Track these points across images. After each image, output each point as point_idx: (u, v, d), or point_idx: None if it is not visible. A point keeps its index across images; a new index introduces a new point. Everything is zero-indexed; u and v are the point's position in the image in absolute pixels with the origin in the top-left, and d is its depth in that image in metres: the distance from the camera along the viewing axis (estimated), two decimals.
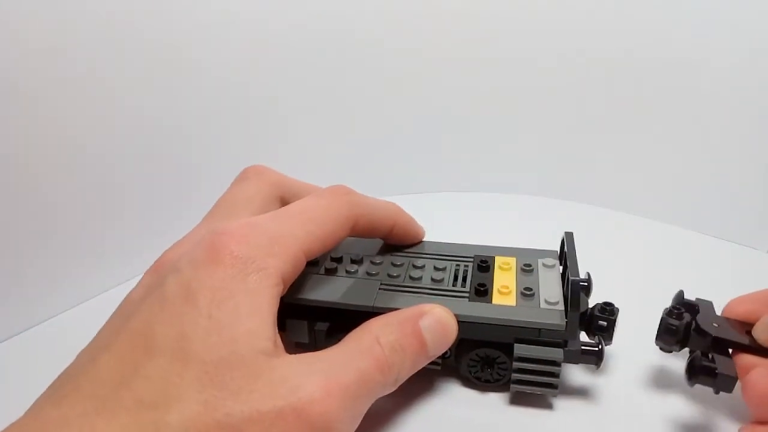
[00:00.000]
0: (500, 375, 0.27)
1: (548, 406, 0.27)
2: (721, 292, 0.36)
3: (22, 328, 0.34)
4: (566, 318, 0.25)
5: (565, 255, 0.28)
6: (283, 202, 0.29)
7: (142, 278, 0.24)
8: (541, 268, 0.29)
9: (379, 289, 0.28)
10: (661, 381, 0.29)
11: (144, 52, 0.37)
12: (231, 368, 0.19)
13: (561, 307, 0.26)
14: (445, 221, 0.44)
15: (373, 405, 0.26)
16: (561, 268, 0.30)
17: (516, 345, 0.26)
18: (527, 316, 0.26)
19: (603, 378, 0.28)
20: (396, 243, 0.31)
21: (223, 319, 0.20)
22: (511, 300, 0.27)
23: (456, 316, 0.26)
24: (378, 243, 0.32)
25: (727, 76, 0.40)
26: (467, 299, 0.27)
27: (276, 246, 0.23)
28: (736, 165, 0.41)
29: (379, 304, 0.27)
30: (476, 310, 0.26)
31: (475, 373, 0.28)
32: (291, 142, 0.46)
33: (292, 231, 0.24)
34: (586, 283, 0.28)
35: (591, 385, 0.28)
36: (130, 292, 0.24)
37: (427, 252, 0.31)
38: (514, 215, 0.46)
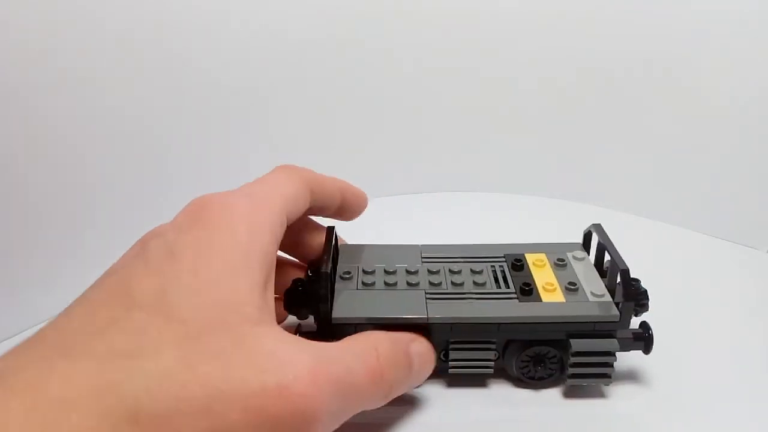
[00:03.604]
0: (552, 371, 0.27)
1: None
2: (721, 292, 0.36)
3: (22, 328, 0.34)
4: (619, 309, 0.26)
5: (603, 246, 0.28)
6: (313, 195, 0.27)
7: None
8: (573, 261, 0.30)
9: (426, 299, 0.27)
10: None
11: (136, 51, 0.36)
12: (214, 332, 0.18)
13: (608, 298, 0.27)
14: (445, 221, 0.44)
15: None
16: (592, 259, 0.30)
17: (572, 340, 0.26)
18: (581, 311, 0.26)
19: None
20: (349, 214, 0.30)
21: (208, 277, 0.19)
22: (559, 296, 0.27)
23: (511, 318, 0.26)
24: (404, 251, 0.31)
25: (727, 76, 0.40)
26: (516, 300, 0.27)
27: (261, 202, 0.23)
28: (736, 165, 0.41)
29: (434, 315, 0.26)
30: (530, 310, 0.27)
31: (527, 372, 0.28)
32: (290, 141, 0.46)
33: (269, 192, 0.24)
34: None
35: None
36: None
37: (457, 255, 0.31)
38: (515, 215, 0.46)
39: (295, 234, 0.30)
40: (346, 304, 0.27)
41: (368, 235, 0.33)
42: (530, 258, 0.30)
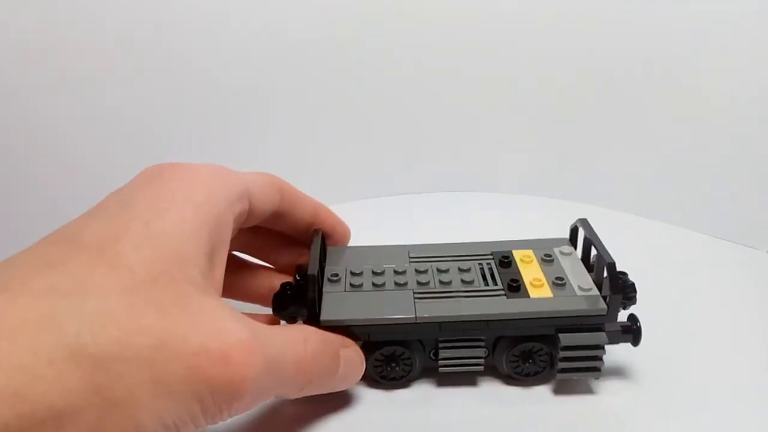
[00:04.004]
0: (542, 366, 0.27)
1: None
2: (721, 292, 0.36)
3: None
4: (607, 302, 0.26)
5: (590, 240, 0.28)
6: (283, 199, 0.27)
7: None
8: (560, 257, 0.30)
9: (415, 299, 0.27)
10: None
11: (136, 51, 0.37)
12: (159, 285, 0.18)
13: (596, 292, 0.27)
14: (445, 221, 0.44)
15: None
16: (579, 254, 0.30)
17: (561, 335, 0.26)
18: (569, 305, 0.26)
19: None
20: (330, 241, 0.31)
21: (159, 231, 0.19)
22: (546, 292, 0.27)
23: (499, 315, 0.26)
24: (392, 251, 0.31)
25: (727, 76, 0.40)
26: (504, 297, 0.27)
27: (222, 172, 0.23)
28: (736, 165, 0.41)
29: (422, 314, 0.26)
30: (518, 306, 0.27)
31: (516, 369, 0.28)
32: (289, 141, 0.46)
33: (235, 172, 0.24)
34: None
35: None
36: None
37: (445, 254, 0.31)
38: (514, 215, 0.46)
39: (275, 247, 0.30)
40: (334, 307, 0.27)
41: (367, 235, 0.33)
42: (517, 254, 0.30)
